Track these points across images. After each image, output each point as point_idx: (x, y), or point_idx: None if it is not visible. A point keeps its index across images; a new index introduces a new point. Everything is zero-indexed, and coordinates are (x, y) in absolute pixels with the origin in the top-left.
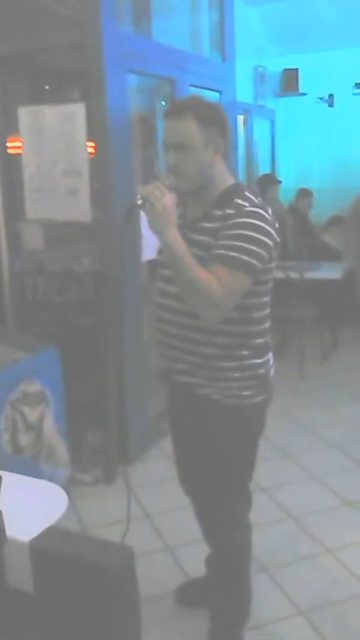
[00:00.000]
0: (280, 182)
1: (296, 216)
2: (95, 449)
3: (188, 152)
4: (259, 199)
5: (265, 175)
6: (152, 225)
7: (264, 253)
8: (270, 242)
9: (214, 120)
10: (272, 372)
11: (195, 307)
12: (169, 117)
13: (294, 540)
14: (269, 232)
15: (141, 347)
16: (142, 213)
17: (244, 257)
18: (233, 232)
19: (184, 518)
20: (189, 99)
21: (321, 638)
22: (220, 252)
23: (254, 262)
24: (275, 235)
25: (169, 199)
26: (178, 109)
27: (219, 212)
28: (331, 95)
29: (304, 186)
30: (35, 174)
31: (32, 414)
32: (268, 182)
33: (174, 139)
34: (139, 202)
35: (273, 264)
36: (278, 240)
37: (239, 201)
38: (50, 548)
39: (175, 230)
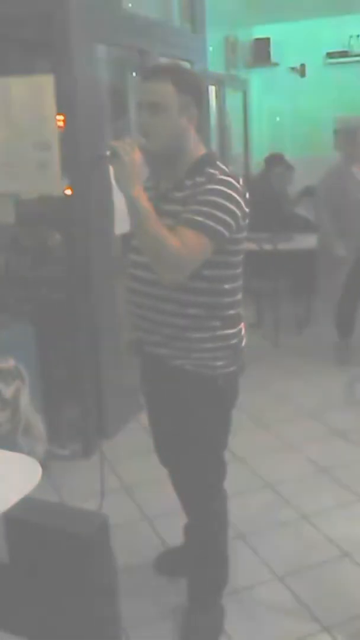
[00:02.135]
0: (292, 167)
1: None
2: (73, 424)
3: (161, 113)
4: (230, 168)
5: (272, 154)
6: (118, 179)
7: (231, 221)
8: (238, 212)
9: (192, 88)
10: (244, 342)
11: (156, 267)
12: (147, 77)
13: (270, 507)
14: (238, 201)
15: (115, 320)
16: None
17: (210, 222)
18: (202, 197)
19: (163, 489)
20: (169, 64)
21: (297, 602)
22: (187, 216)
23: (220, 228)
24: (244, 205)
25: (138, 155)
26: (157, 71)
27: (189, 182)
28: (303, 65)
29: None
30: (3, 147)
31: (7, 391)
32: (275, 163)
33: (148, 97)
34: (107, 153)
35: (242, 235)
36: (247, 210)
37: (210, 170)
38: (24, 518)
39: (141, 188)
